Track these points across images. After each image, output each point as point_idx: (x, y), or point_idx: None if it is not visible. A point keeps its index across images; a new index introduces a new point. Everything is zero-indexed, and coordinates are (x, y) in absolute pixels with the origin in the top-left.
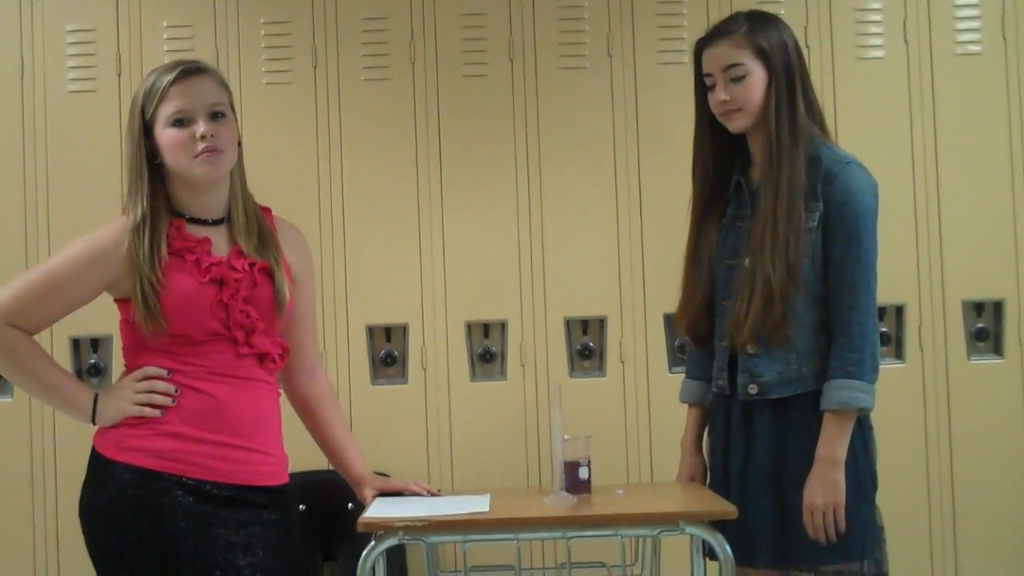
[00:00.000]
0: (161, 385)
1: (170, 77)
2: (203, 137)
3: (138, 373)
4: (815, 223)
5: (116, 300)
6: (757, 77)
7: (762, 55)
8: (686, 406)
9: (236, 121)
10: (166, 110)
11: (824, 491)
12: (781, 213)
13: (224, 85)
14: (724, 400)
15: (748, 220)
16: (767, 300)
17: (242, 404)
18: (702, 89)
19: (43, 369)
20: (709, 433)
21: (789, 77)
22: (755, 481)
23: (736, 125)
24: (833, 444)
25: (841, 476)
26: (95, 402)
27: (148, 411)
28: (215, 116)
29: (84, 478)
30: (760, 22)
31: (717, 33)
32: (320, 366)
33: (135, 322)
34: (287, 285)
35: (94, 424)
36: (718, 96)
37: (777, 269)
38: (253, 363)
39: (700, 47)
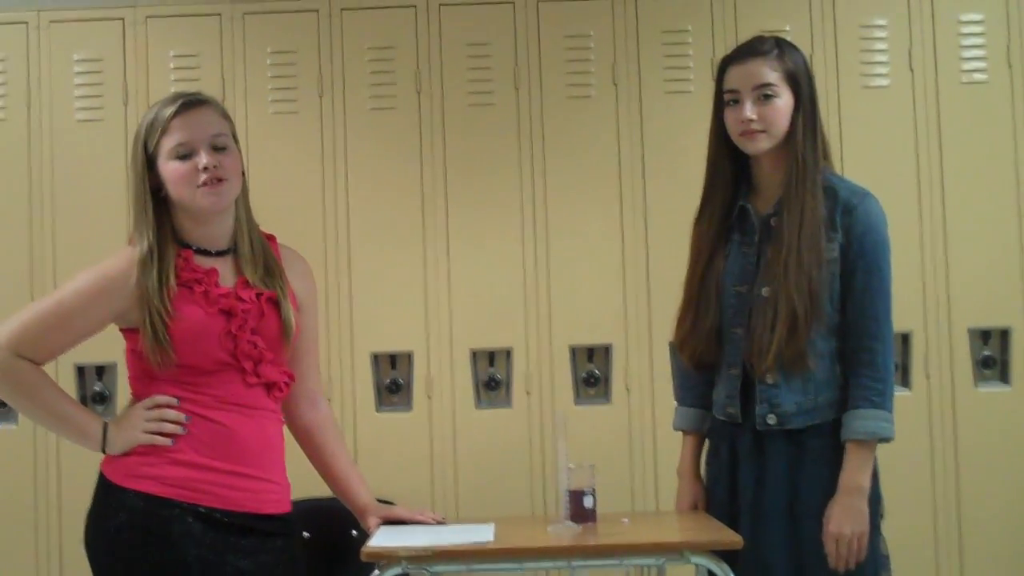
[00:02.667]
0: (171, 413)
1: (171, 110)
2: (205, 168)
3: (148, 402)
4: (835, 253)
5: (122, 330)
6: (784, 100)
7: (792, 80)
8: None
9: (239, 151)
10: (168, 143)
11: (852, 520)
12: (805, 242)
13: (226, 116)
14: (730, 428)
15: (755, 247)
16: (791, 329)
17: (250, 433)
18: (721, 110)
19: (52, 399)
20: (709, 461)
21: (813, 106)
22: (769, 512)
23: (755, 147)
24: (858, 473)
25: (866, 505)
26: (105, 431)
27: (159, 440)
28: (217, 147)
29: (91, 505)
30: (788, 48)
31: (748, 51)
32: (322, 395)
33: (143, 352)
34: (293, 314)
35: (104, 453)
36: (743, 114)
37: (800, 298)
38: (261, 392)
39: (725, 63)
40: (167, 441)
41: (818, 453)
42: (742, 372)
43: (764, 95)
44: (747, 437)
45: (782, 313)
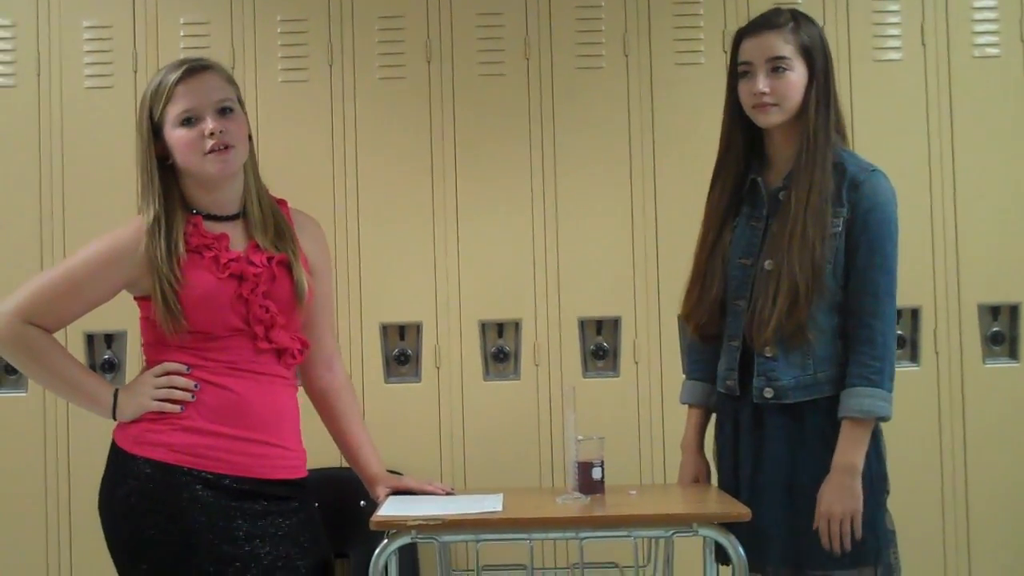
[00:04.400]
0: (181, 381)
1: (175, 76)
2: (211, 134)
3: (158, 369)
4: (839, 228)
5: (136, 298)
6: (798, 74)
7: (806, 54)
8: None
9: (245, 115)
10: (174, 110)
11: (842, 499)
12: (811, 216)
13: (231, 80)
14: (732, 401)
15: (764, 221)
16: (792, 302)
17: (261, 399)
18: (735, 82)
19: (63, 366)
20: (716, 435)
21: (827, 80)
22: (766, 485)
23: (768, 120)
24: (851, 452)
25: (859, 484)
26: (115, 398)
27: (168, 407)
28: (223, 112)
29: (104, 472)
30: (804, 21)
31: (763, 23)
32: (338, 358)
33: (155, 319)
34: (305, 277)
35: (114, 419)
36: (756, 87)
37: (803, 272)
38: (271, 358)
39: (740, 36)
40: (176, 408)
41: (818, 429)
42: (742, 344)
43: (777, 68)
44: (748, 411)
45: (784, 286)
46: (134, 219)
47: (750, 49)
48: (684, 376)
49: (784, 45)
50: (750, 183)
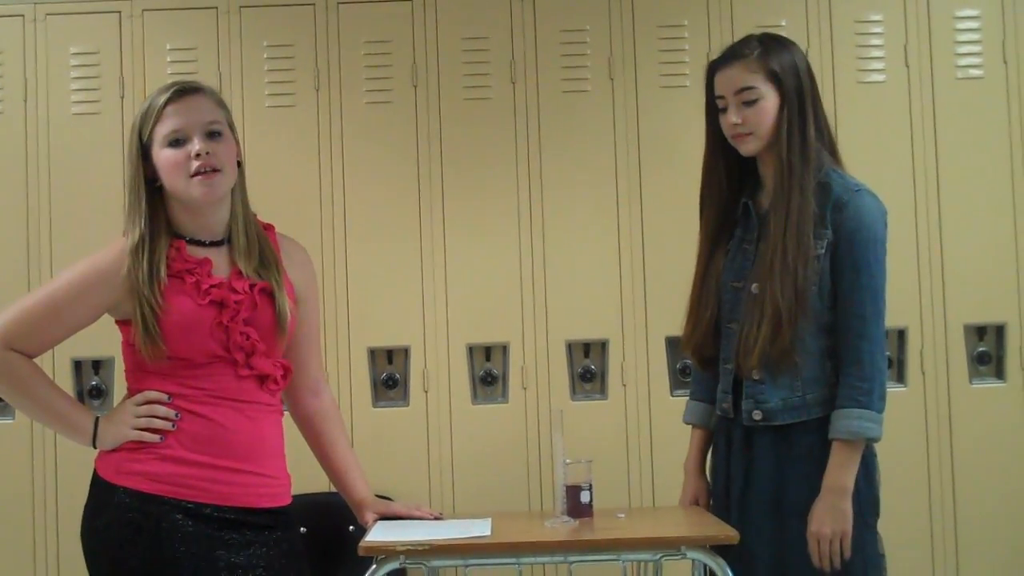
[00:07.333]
0: (161, 409)
1: (165, 97)
2: (197, 156)
3: (139, 397)
4: (823, 250)
5: (117, 322)
6: (769, 101)
7: (774, 79)
8: (688, 429)
9: (236, 139)
10: (162, 130)
11: (832, 520)
12: (791, 239)
13: (221, 104)
14: (727, 422)
15: (755, 244)
16: (775, 326)
17: (242, 427)
18: (713, 112)
19: (44, 393)
20: (712, 455)
21: (801, 101)
22: (754, 505)
23: (747, 148)
24: (841, 473)
25: (849, 505)
26: (96, 426)
27: (147, 436)
28: (212, 135)
29: (86, 501)
30: (773, 45)
31: (730, 56)
32: (324, 383)
33: (135, 344)
34: (288, 305)
35: (95, 448)
36: (730, 119)
37: (786, 295)
38: (253, 385)
39: (712, 70)
40: (155, 437)
41: (806, 450)
42: (735, 368)
43: (745, 100)
44: (739, 431)
45: (768, 311)
46: (117, 241)
47: (720, 83)
48: (683, 398)
49: (750, 75)
50: (742, 206)
